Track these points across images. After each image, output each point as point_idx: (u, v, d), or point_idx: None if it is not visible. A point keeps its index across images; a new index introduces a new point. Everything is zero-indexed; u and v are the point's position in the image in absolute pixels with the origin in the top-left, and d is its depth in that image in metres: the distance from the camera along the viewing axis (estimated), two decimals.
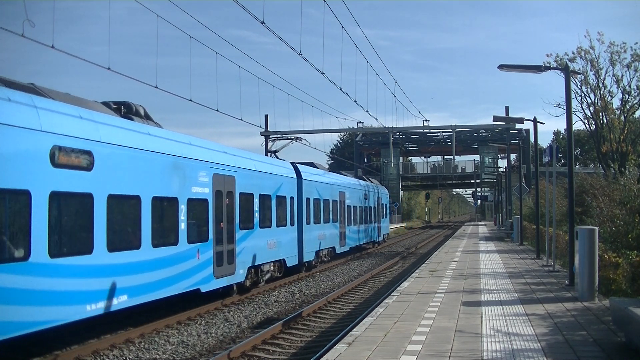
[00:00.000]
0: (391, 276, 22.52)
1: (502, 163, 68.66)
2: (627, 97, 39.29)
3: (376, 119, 45.30)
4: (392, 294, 13.39)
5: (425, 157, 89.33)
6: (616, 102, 40.45)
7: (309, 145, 30.39)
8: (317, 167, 25.52)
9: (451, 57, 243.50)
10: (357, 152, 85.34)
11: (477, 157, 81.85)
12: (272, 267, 18.76)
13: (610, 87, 39.23)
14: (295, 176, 21.31)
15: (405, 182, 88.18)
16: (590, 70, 38.92)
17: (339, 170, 42.81)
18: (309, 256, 22.34)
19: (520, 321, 9.71)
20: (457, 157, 74.68)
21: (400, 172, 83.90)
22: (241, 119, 42.60)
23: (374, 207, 35.75)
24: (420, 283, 14.96)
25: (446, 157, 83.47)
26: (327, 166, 38.30)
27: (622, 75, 38.56)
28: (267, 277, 18.33)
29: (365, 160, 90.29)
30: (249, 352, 10.54)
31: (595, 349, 7.79)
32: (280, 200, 19.37)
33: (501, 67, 14.15)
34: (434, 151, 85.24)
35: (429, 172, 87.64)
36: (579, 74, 36.00)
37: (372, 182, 37.57)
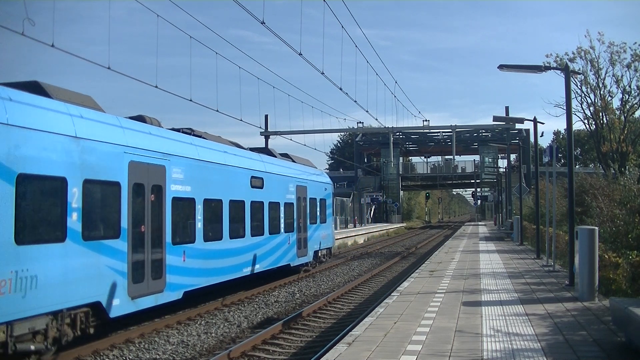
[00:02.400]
0: (391, 276, 22.52)
1: (502, 163, 68.74)
2: (627, 97, 39.36)
3: (376, 119, 45.42)
4: (392, 294, 13.39)
5: (425, 157, 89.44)
6: (616, 102, 40.54)
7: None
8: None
9: (451, 57, 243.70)
10: (357, 152, 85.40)
11: (477, 157, 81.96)
12: None
13: (610, 87, 39.31)
14: None
15: (405, 182, 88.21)
16: (590, 70, 38.99)
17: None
18: None
19: (520, 321, 9.71)
20: (457, 157, 74.70)
21: (400, 172, 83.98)
22: (241, 119, 42.61)
23: (289, 204, 20.32)
24: (420, 283, 14.96)
25: (446, 157, 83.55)
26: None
27: (622, 75, 38.65)
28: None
29: (365, 160, 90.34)
30: (249, 352, 10.54)
31: (595, 349, 7.78)
32: None
33: (501, 67, 14.15)
34: (434, 151, 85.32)
35: (429, 172, 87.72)
36: (579, 74, 36.03)
37: (293, 160, 22.45)
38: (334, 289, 18.92)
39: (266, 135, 49.79)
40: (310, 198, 22.37)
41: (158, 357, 10.48)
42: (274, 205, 18.86)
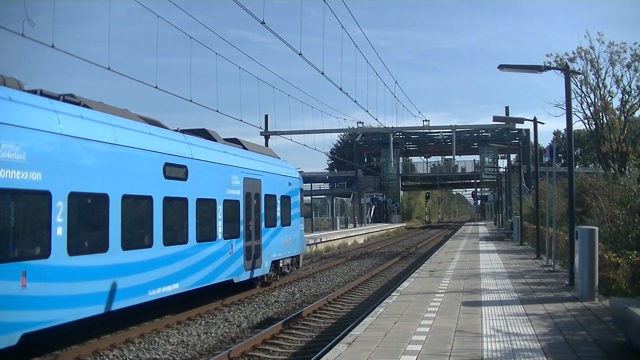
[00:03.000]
0: (391, 276, 22.52)
1: (502, 163, 68.74)
2: (627, 97, 39.42)
3: (376, 119, 45.45)
4: (392, 294, 13.39)
5: (425, 157, 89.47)
6: (616, 102, 40.58)
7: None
8: None
9: (451, 57, 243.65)
10: (357, 152, 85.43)
11: (477, 157, 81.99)
12: None
13: (610, 87, 39.37)
14: None
15: (405, 182, 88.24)
16: (590, 70, 39.04)
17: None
18: None
19: (520, 321, 9.71)
20: (457, 157, 74.72)
21: (400, 172, 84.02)
22: (241, 120, 42.63)
23: (232, 202, 15.87)
24: (420, 283, 14.96)
25: (446, 157, 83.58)
26: None
27: (622, 75, 38.72)
28: None
29: (365, 160, 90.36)
30: (249, 352, 10.54)
31: (595, 349, 7.78)
32: None
33: (501, 67, 14.15)
34: (434, 151, 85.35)
35: (429, 172, 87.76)
36: (579, 74, 36.08)
37: (244, 147, 17.99)
38: (334, 289, 18.91)
39: (266, 135, 49.77)
40: (266, 195, 17.84)
41: (158, 357, 10.48)
42: (207, 204, 14.30)
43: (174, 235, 12.87)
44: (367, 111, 49.24)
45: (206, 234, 14.23)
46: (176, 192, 12.95)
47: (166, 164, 12.53)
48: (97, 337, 11.20)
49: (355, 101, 34.14)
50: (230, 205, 15.55)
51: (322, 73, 21.16)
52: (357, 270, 24.78)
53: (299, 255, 21.42)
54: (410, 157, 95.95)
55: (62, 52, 13.29)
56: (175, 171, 12.86)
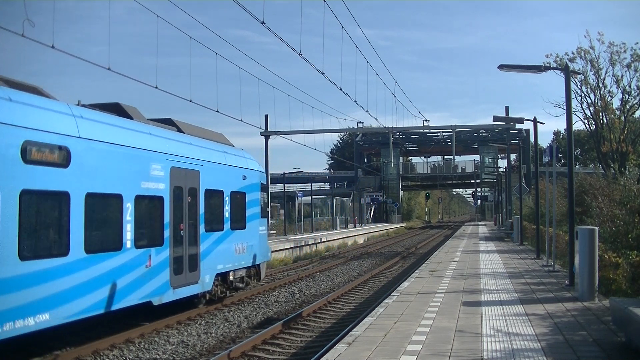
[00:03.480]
0: (391, 276, 22.52)
1: (502, 163, 68.74)
2: (627, 97, 39.41)
3: (376, 119, 45.42)
4: (392, 294, 13.39)
5: (425, 157, 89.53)
6: (616, 102, 40.59)
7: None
8: None
9: (451, 57, 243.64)
10: (357, 152, 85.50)
11: (477, 157, 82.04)
12: None
13: (610, 87, 39.36)
14: None
15: (405, 182, 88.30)
16: (590, 70, 39.04)
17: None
18: None
19: (520, 321, 9.71)
20: (457, 157, 74.81)
21: (400, 172, 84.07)
22: (241, 120, 42.64)
23: (153, 200, 12.16)
24: (420, 283, 14.96)
25: (446, 157, 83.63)
26: None
27: (622, 75, 38.71)
28: None
29: (365, 160, 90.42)
30: (249, 352, 10.54)
31: (595, 349, 7.78)
32: None
33: (501, 67, 14.15)
34: (434, 151, 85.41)
35: (429, 172, 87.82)
36: (579, 74, 36.10)
37: (178, 129, 14.33)
38: (334, 289, 18.92)
39: (266, 135, 49.71)
40: (208, 190, 14.06)
41: (158, 357, 10.48)
42: (105, 201, 10.75)
43: (41, 245, 9.26)
44: (367, 111, 49.29)
45: (104, 242, 10.62)
46: (47, 183, 9.22)
47: (27, 143, 8.75)
48: (97, 337, 11.20)
49: (355, 101, 34.24)
50: (148, 203, 11.82)
51: (322, 73, 21.18)
52: (357, 270, 24.78)
53: (259, 264, 17.19)
54: (410, 157, 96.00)
55: (62, 52, 13.28)
56: (45, 153, 9.18)
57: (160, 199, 12.15)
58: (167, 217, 12.28)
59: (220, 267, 14.64)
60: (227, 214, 15.08)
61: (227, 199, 15.10)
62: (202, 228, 13.74)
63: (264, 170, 18.15)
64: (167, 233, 12.23)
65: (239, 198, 15.84)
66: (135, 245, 11.15)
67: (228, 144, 16.51)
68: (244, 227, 16.04)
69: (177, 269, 12.59)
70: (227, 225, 15.04)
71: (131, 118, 12.19)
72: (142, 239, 11.43)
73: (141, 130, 11.98)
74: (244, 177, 16.23)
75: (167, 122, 14.06)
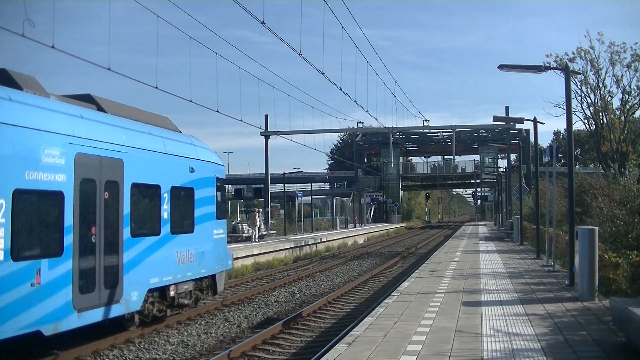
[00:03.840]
0: (391, 276, 22.52)
1: (502, 163, 68.74)
2: (627, 97, 39.48)
3: (376, 119, 45.46)
4: (392, 294, 13.39)
5: (425, 157, 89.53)
6: (616, 102, 40.64)
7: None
8: None
9: (451, 57, 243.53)
10: (357, 152, 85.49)
11: (477, 157, 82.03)
12: None
13: (610, 87, 39.41)
14: None
15: (405, 182, 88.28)
16: (590, 70, 39.10)
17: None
18: None
19: (520, 321, 9.71)
20: (457, 157, 74.73)
21: (400, 172, 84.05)
22: (241, 120, 42.62)
23: (42, 195, 9.02)
24: (420, 283, 14.96)
25: (446, 157, 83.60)
26: None
27: (622, 75, 38.79)
28: None
29: (365, 160, 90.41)
30: (249, 352, 10.54)
31: (595, 349, 7.79)
32: None
33: (501, 67, 14.16)
34: (434, 151, 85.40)
35: (429, 172, 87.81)
36: (579, 74, 36.14)
37: (99, 107, 11.30)
38: (334, 289, 18.91)
39: (266, 135, 49.74)
40: (135, 184, 11.16)
41: (158, 357, 10.48)
42: None
43: None
44: (367, 111, 49.50)
45: None
46: None
47: None
48: (97, 337, 11.20)
49: (355, 101, 34.27)
50: (36, 201, 8.98)
51: (322, 73, 21.20)
52: (357, 270, 24.78)
53: (214, 275, 14.36)
54: (410, 157, 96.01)
55: (62, 52, 13.26)
56: None
57: (57, 195, 9.22)
58: (68, 219, 9.32)
59: (155, 280, 11.65)
60: (165, 215, 12.11)
61: (165, 195, 12.14)
62: (126, 232, 10.79)
63: (221, 162, 15.14)
64: (68, 240, 9.28)
65: (183, 195, 12.97)
66: (12, 256, 8.17)
67: (173, 129, 13.71)
68: (191, 231, 13.19)
69: (85, 285, 9.65)
70: (165, 229, 12.09)
71: (20, 89, 9.40)
72: (25, 249, 8.55)
73: (28, 103, 9.06)
74: (192, 170, 13.26)
75: (84, 99, 11.23)
